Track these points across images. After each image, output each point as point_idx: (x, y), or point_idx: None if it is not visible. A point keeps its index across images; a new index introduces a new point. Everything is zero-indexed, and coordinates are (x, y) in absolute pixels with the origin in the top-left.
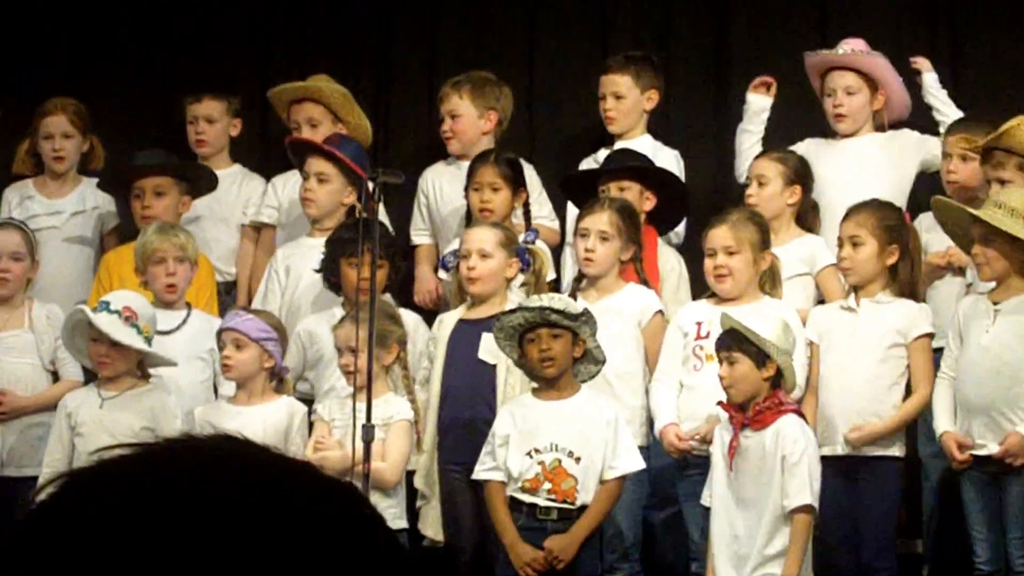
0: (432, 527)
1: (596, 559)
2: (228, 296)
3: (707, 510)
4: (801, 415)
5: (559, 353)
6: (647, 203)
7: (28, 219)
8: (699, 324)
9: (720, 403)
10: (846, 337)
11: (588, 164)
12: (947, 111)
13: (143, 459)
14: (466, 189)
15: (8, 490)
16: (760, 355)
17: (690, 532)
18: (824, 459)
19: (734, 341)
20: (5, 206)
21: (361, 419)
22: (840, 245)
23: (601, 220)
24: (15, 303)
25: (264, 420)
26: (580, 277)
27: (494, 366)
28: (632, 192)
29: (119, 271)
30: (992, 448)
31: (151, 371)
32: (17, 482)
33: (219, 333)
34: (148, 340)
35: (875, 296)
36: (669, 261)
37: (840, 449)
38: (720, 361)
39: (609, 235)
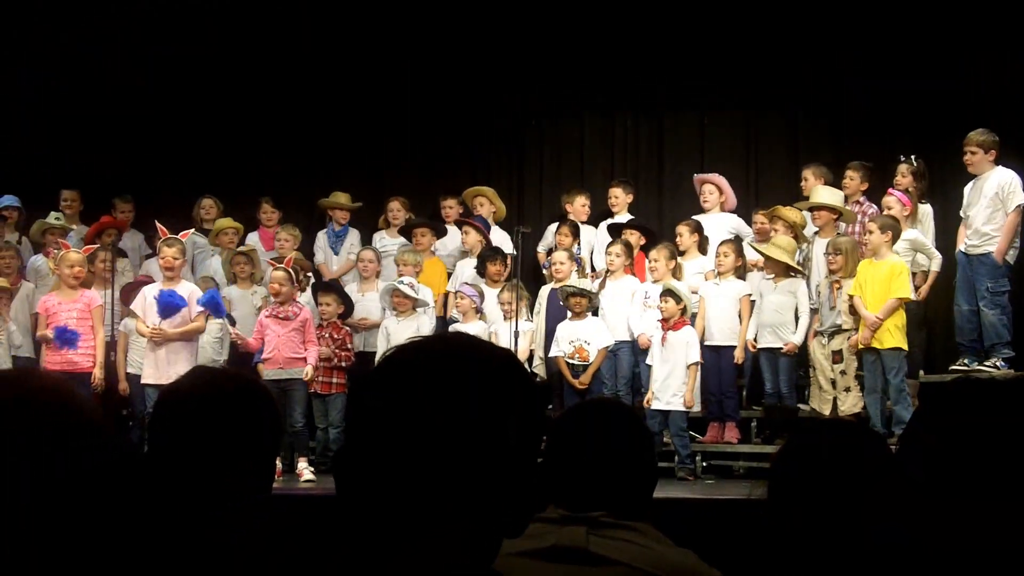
0: (540, 373)
1: (601, 384)
2: (451, 277)
3: (648, 366)
4: (692, 327)
5: (582, 304)
6: (641, 240)
7: (381, 247)
8: (648, 292)
9: (659, 320)
10: (716, 295)
11: (602, 226)
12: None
13: (422, 342)
14: (556, 233)
15: (362, 358)
16: (678, 299)
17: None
18: (707, 346)
19: (668, 293)
20: (373, 240)
21: (511, 328)
22: (717, 256)
23: (616, 249)
24: (371, 281)
25: (476, 332)
26: (607, 271)
27: (563, 306)
28: (634, 235)
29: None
30: (775, 343)
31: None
32: (367, 354)
33: (455, 292)
34: (418, 296)
35: (728, 279)
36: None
37: (715, 341)
38: (663, 302)
39: (621, 254)
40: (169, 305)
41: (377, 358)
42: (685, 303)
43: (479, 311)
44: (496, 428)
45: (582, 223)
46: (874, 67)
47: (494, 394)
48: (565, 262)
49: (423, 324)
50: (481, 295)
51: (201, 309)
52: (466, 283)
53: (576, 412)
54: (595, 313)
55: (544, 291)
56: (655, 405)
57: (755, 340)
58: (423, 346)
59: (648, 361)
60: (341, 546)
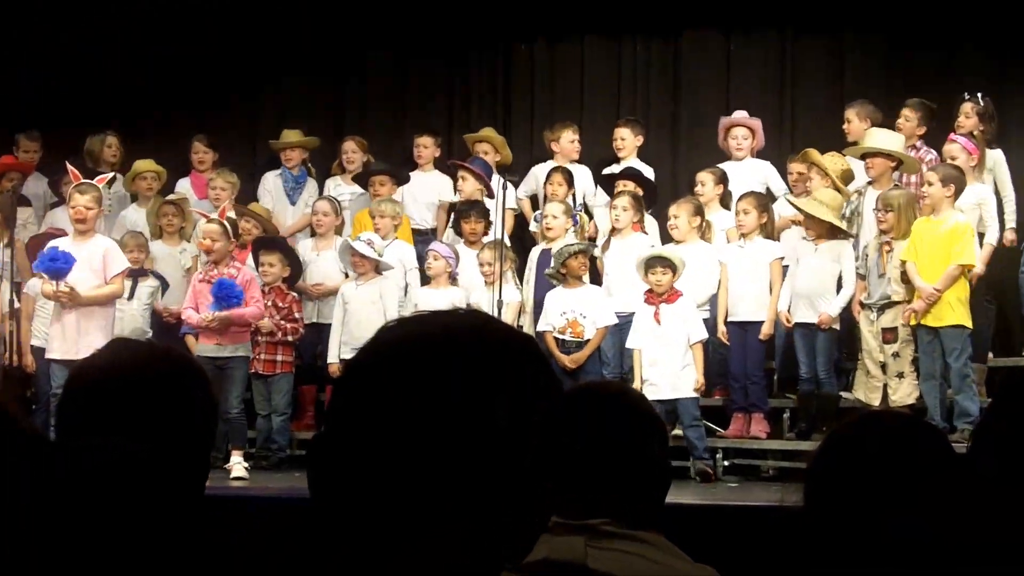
0: None
1: (597, 366)
2: (433, 235)
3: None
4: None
5: (586, 265)
6: (637, 192)
7: (337, 195)
8: None
9: (645, 292)
10: (739, 261)
11: (610, 170)
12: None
13: (417, 319)
14: (545, 184)
15: (318, 330)
16: (673, 268)
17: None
18: (731, 322)
19: (659, 261)
20: (325, 188)
21: (495, 298)
22: (737, 213)
23: (624, 201)
24: (328, 237)
25: (447, 299)
26: (613, 229)
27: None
28: (630, 186)
29: (365, 221)
30: (811, 317)
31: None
32: (322, 326)
33: (427, 251)
34: (380, 256)
35: (753, 240)
36: (650, 222)
37: (739, 317)
38: (655, 273)
39: (628, 207)
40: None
41: (333, 329)
42: (679, 270)
43: (452, 276)
44: (480, 420)
45: (572, 162)
46: None
47: (477, 381)
48: (559, 216)
49: (386, 290)
50: (457, 257)
51: (120, 270)
52: (441, 242)
53: (570, 399)
54: (593, 279)
55: (535, 253)
56: (654, 395)
57: (789, 313)
58: (412, 323)
59: (631, 344)
60: (322, 556)
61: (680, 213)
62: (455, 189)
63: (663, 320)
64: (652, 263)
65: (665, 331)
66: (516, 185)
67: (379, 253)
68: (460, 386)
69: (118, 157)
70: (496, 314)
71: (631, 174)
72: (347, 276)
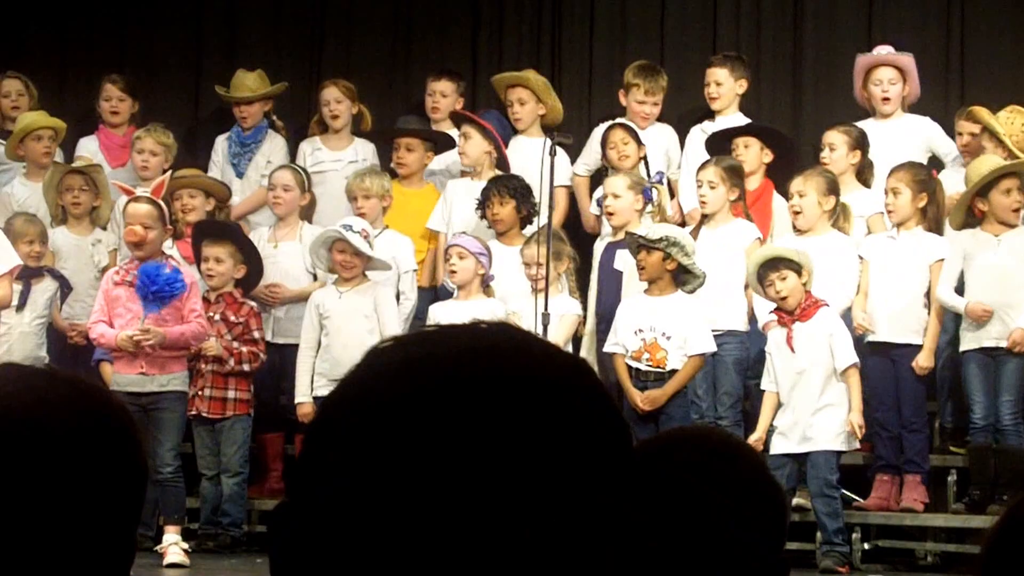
0: None
1: (686, 408)
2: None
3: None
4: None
5: (649, 264)
6: (766, 157)
7: (316, 164)
8: None
9: (773, 311)
10: (887, 259)
11: (695, 132)
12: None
13: (418, 339)
14: (603, 148)
15: (274, 353)
16: (798, 269)
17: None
18: (869, 343)
19: (780, 264)
20: (300, 155)
21: (537, 307)
22: (885, 193)
23: (708, 173)
24: (290, 222)
25: (475, 314)
26: (704, 216)
27: (621, 272)
28: (754, 148)
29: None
30: (992, 341)
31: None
32: (281, 348)
33: (448, 247)
34: (372, 249)
35: (911, 231)
36: (780, 205)
37: (882, 336)
38: (772, 280)
39: (715, 184)
40: None
41: (303, 355)
42: (808, 274)
43: (485, 282)
44: (508, 488)
45: (641, 125)
46: None
47: (505, 432)
48: (622, 193)
49: (383, 299)
50: (490, 254)
51: (6, 269)
52: (465, 232)
53: (645, 452)
54: (681, 282)
55: (599, 248)
56: (777, 447)
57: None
58: (413, 344)
59: (766, 385)
60: None
61: (807, 190)
62: (460, 153)
63: (797, 345)
64: (772, 264)
65: (800, 359)
66: (566, 146)
67: (372, 248)
68: (480, 437)
69: (22, 106)
70: (541, 329)
71: (756, 130)
72: (315, 278)
